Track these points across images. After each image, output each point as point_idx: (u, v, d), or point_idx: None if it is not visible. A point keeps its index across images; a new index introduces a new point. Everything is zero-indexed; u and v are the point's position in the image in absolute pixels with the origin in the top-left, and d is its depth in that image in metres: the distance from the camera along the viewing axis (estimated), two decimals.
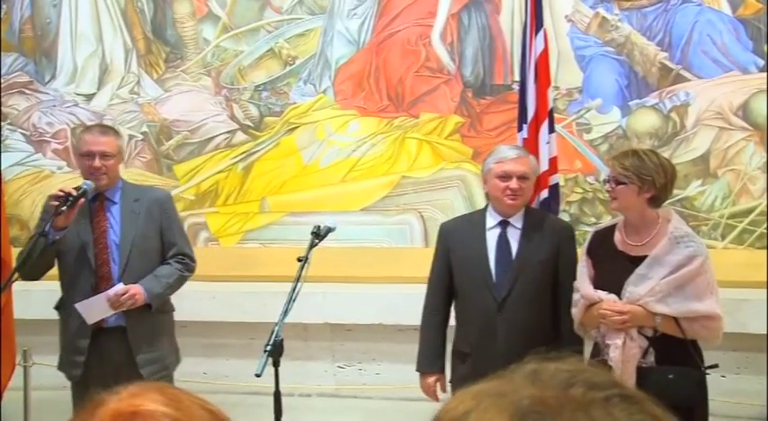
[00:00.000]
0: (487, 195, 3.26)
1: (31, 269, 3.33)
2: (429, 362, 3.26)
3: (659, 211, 2.98)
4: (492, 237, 3.16)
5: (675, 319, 2.83)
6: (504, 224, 3.17)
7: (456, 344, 3.23)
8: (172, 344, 3.54)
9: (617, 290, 2.88)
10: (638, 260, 2.90)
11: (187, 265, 3.50)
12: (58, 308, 3.49)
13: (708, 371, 2.88)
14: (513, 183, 3.09)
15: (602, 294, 2.89)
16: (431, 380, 3.24)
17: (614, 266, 2.93)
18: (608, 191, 3.00)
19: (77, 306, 3.30)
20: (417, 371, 3.30)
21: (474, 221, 3.25)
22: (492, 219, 3.19)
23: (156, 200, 3.52)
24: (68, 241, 3.32)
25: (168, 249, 3.47)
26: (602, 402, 0.63)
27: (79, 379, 3.37)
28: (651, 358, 2.83)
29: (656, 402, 0.65)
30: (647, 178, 2.87)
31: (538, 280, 3.10)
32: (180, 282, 3.49)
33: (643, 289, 2.83)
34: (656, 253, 2.87)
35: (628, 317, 2.80)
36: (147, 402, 0.78)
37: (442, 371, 3.24)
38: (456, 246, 3.22)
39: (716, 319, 2.86)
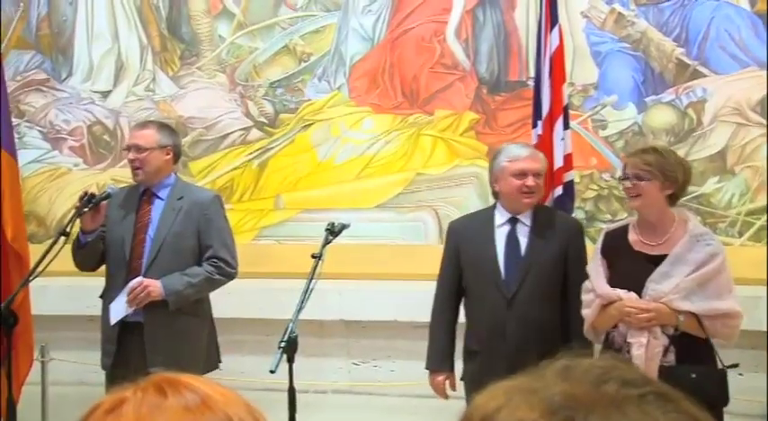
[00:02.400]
0: (495, 193, 3.25)
1: (80, 262, 3.48)
2: (438, 361, 3.27)
3: (675, 211, 2.97)
4: (501, 235, 3.15)
5: (697, 318, 2.82)
6: (513, 221, 3.16)
7: (466, 343, 3.23)
8: (196, 350, 3.46)
9: (636, 289, 2.86)
10: (657, 259, 2.88)
11: (220, 269, 3.43)
12: (102, 296, 3.54)
13: (729, 369, 2.87)
14: (530, 181, 3.09)
15: (621, 292, 2.87)
16: (440, 378, 3.25)
17: (632, 266, 2.92)
18: (628, 188, 2.93)
19: (111, 305, 3.37)
20: (427, 368, 3.31)
21: (482, 219, 3.25)
22: (501, 217, 3.18)
23: (200, 201, 3.48)
24: (113, 234, 3.37)
25: (204, 251, 3.44)
26: (636, 399, 0.62)
27: (109, 369, 3.41)
28: (672, 357, 2.82)
29: (692, 400, 0.65)
30: (671, 174, 2.87)
31: (547, 277, 3.09)
32: (208, 284, 3.44)
33: (667, 286, 2.81)
34: (678, 251, 2.85)
35: (653, 315, 2.79)
36: (180, 377, 0.82)
37: (452, 369, 3.25)
38: (465, 245, 3.22)
39: (736, 317, 2.85)
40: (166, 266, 3.37)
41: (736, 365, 2.91)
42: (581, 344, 2.91)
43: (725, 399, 2.83)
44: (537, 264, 3.09)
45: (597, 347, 3.03)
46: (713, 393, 2.78)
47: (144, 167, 3.39)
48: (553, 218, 3.24)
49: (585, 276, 3.08)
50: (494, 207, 3.26)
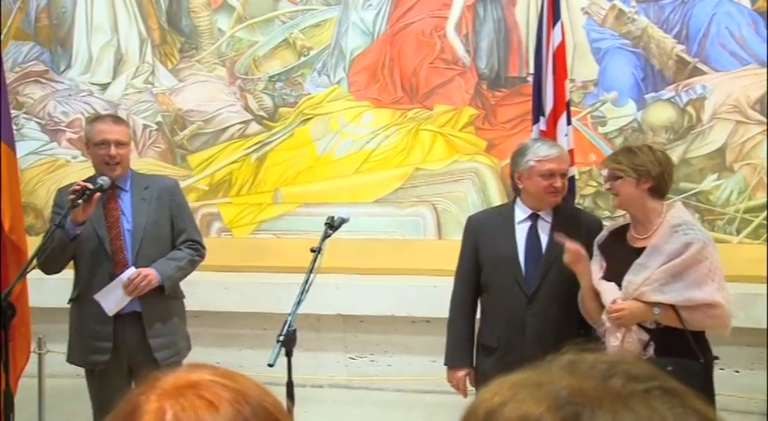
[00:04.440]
0: (516, 189, 3.23)
1: (52, 262, 3.38)
2: (458, 357, 3.23)
3: (666, 204, 2.98)
4: (522, 231, 3.13)
5: (675, 310, 2.82)
6: (534, 217, 3.15)
7: (482, 338, 3.20)
8: (183, 330, 3.58)
9: (621, 281, 2.90)
10: (641, 251, 2.91)
11: (198, 251, 3.55)
12: (74, 299, 3.50)
13: (705, 361, 2.86)
14: (558, 182, 3.08)
15: (604, 284, 2.90)
16: (460, 374, 3.21)
17: (623, 259, 2.94)
18: (608, 189, 3.03)
19: (97, 297, 3.33)
20: (446, 365, 3.27)
21: (502, 215, 3.23)
22: (521, 213, 3.16)
23: (166, 187, 3.57)
24: (83, 230, 3.35)
25: (178, 236, 3.53)
26: (642, 394, 0.62)
27: (101, 365, 3.40)
28: (651, 351, 2.83)
29: (698, 395, 0.65)
30: (641, 168, 2.90)
31: (568, 274, 3.06)
32: (192, 265, 3.54)
33: (640, 278, 2.83)
34: (655, 242, 2.87)
35: (625, 313, 2.82)
36: (204, 375, 0.81)
37: (471, 365, 3.22)
38: (484, 240, 3.19)
39: (718, 307, 2.82)
40: (150, 254, 3.43)
41: (715, 358, 2.90)
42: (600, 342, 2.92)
43: (707, 391, 2.82)
44: (558, 261, 3.07)
45: None
46: (691, 385, 2.76)
47: (123, 162, 3.44)
48: (574, 214, 3.23)
49: None
50: (513, 202, 3.24)
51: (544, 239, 3.11)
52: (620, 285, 2.89)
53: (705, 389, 2.80)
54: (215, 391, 0.78)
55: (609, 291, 2.89)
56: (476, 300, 3.23)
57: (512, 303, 3.08)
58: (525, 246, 3.11)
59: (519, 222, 3.15)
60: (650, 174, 2.91)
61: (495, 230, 3.17)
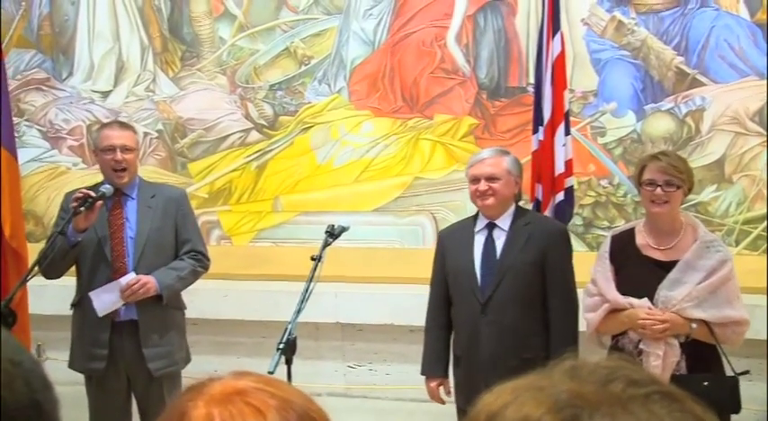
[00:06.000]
0: None
1: (53, 268, 3.38)
2: (431, 367, 3.29)
3: (682, 216, 2.98)
4: (479, 241, 3.17)
5: (707, 325, 2.82)
6: (490, 226, 3.18)
7: (453, 349, 3.26)
8: (182, 341, 3.56)
9: (646, 295, 2.85)
10: (667, 265, 2.87)
11: (201, 261, 3.53)
12: (75, 304, 3.51)
13: (740, 376, 2.88)
14: (481, 186, 3.12)
15: (633, 301, 2.86)
16: (433, 384, 3.27)
17: (641, 271, 2.91)
18: (657, 195, 2.85)
19: (91, 294, 3.33)
20: (422, 374, 3.32)
21: (465, 226, 3.28)
22: (480, 223, 3.21)
23: (173, 197, 3.56)
24: (86, 236, 3.35)
25: (182, 246, 3.51)
26: (642, 399, 0.63)
27: (98, 372, 3.40)
28: (683, 364, 2.82)
29: (697, 401, 0.65)
30: (691, 180, 2.91)
31: (524, 282, 3.07)
32: (193, 276, 3.52)
33: (679, 293, 2.80)
34: (689, 257, 2.85)
35: (669, 325, 2.78)
36: (250, 382, 0.83)
37: (445, 374, 3.26)
38: (448, 253, 3.25)
39: (745, 324, 2.87)
40: (151, 263, 3.42)
41: (746, 372, 2.91)
42: (561, 351, 2.89)
43: (737, 407, 2.84)
44: (512, 269, 3.08)
45: (597, 354, 3.02)
46: (725, 400, 2.77)
47: (130, 168, 3.42)
48: (533, 222, 3.22)
49: (568, 281, 3.08)
50: (477, 214, 3.28)
51: (500, 248, 3.13)
52: (639, 297, 2.86)
53: (736, 402, 2.82)
54: (262, 399, 0.79)
55: (643, 306, 2.85)
56: (448, 311, 3.26)
57: (468, 312, 3.12)
58: (482, 256, 3.14)
59: (477, 232, 3.18)
60: (692, 186, 2.93)
61: (458, 242, 3.22)
